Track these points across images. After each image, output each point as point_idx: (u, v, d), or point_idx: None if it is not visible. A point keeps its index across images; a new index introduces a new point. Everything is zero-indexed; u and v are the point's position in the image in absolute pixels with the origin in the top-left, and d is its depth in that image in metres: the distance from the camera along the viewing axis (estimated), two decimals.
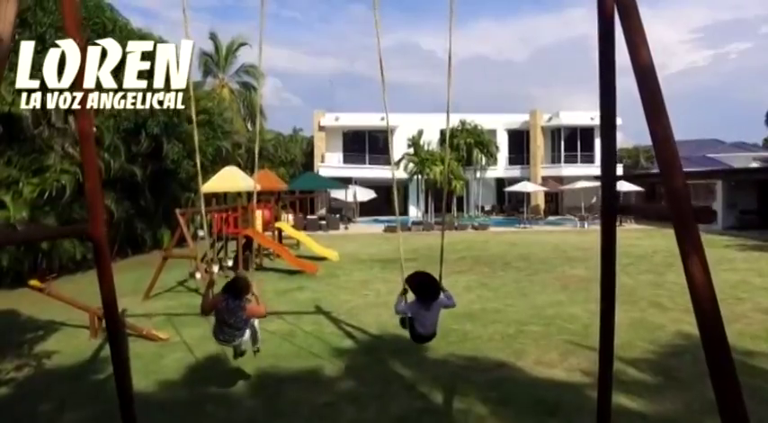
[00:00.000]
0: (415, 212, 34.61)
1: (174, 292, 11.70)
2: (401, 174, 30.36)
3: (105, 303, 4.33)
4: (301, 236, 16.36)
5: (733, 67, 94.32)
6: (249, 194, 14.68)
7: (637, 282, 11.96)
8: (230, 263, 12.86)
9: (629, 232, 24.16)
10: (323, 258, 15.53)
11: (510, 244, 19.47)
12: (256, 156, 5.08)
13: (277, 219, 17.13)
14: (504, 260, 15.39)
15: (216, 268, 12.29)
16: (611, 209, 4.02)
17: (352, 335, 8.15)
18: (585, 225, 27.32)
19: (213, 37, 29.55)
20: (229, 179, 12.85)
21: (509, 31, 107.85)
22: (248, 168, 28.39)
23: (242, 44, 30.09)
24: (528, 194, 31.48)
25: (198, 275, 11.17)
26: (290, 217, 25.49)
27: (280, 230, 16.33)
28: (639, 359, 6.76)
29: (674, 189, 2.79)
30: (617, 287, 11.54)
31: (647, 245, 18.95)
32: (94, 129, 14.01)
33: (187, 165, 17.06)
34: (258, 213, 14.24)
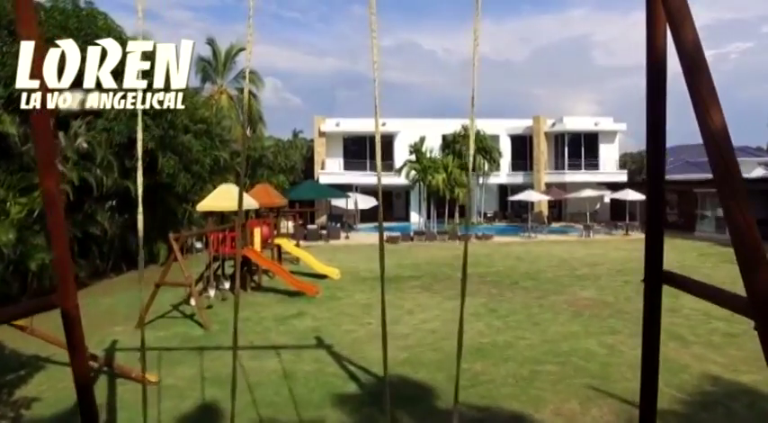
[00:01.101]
0: (416, 219, 34.08)
1: (168, 318, 11.18)
2: (403, 180, 29.87)
3: (78, 385, 3.84)
4: (302, 253, 15.84)
5: (733, 66, 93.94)
6: (247, 211, 14.16)
7: None
8: (227, 284, 12.33)
9: (637, 243, 23.57)
10: (323, 276, 15.05)
11: (515, 258, 18.95)
12: (242, 177, 4.42)
13: (276, 227, 16.62)
14: (510, 278, 14.87)
15: (212, 292, 11.83)
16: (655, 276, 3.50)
17: (356, 376, 7.63)
18: (591, 234, 26.82)
19: (211, 42, 29.09)
20: (226, 198, 12.31)
21: (509, 32, 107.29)
22: (247, 176, 27.94)
23: (241, 49, 29.45)
24: (531, 202, 30.96)
25: (193, 301, 10.65)
26: (290, 224, 25.03)
27: (279, 247, 15.79)
28: (667, 411, 6.23)
29: (755, 280, 2.27)
30: (632, 311, 10.88)
31: None
32: (86, 145, 13.54)
33: (183, 178, 16.52)
34: (256, 231, 13.70)
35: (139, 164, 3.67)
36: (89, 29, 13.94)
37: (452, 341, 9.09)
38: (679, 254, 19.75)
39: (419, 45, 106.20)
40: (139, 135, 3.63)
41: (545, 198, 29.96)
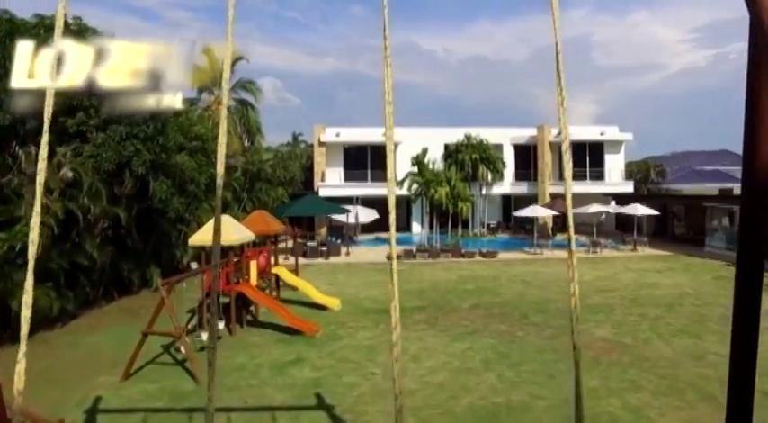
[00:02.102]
0: (418, 229, 33.41)
1: (157, 364, 10.46)
2: (404, 191, 29.19)
3: None
4: (301, 282, 15.12)
5: (733, 66, 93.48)
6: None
7: (674, 351, 10.75)
8: (221, 324, 11.61)
9: (647, 261, 23.01)
10: (323, 307, 14.36)
11: (523, 282, 18.23)
12: (217, 209, 3.81)
13: (275, 251, 15.89)
14: (519, 310, 14.14)
15: (204, 335, 11.10)
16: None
17: None
18: (598, 250, 26.13)
19: (208, 52, 28.30)
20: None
21: (508, 32, 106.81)
22: (245, 191, 27.20)
23: (239, 59, 28.75)
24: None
25: (183, 349, 9.95)
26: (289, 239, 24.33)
27: (277, 276, 15.07)
28: None
29: None
30: (652, 358, 9.96)
31: (669, 284, 17.70)
32: (70, 174, 12.82)
33: (177, 202, 15.79)
34: (252, 264, 12.99)
35: (38, 195, 2.81)
36: None
37: (462, 400, 8.43)
38: (693, 276, 19.07)
39: (419, 45, 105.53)
40: (44, 139, 2.86)
41: (550, 213, 29.25)
